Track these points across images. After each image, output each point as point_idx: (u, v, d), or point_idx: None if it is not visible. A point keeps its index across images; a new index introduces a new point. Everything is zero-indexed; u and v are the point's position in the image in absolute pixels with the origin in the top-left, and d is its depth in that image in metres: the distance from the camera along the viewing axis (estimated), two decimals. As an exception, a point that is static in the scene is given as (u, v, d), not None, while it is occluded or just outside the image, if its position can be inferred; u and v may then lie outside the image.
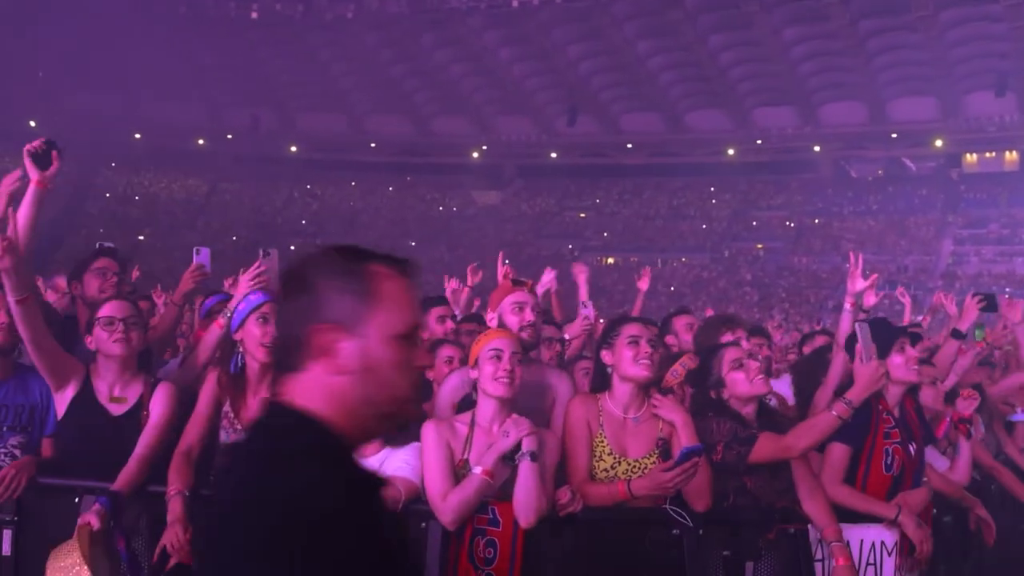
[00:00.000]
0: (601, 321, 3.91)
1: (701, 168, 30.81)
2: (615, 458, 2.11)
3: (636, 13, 26.66)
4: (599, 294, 25.18)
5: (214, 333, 2.36)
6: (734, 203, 30.68)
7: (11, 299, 2.08)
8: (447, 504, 1.94)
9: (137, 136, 31.42)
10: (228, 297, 2.56)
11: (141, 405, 2.24)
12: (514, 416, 1.99)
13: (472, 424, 2.04)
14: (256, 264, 2.41)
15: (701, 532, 2.02)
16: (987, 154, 29.41)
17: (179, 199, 32.53)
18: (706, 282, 26.96)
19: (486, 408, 2.03)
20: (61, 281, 3.68)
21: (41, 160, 2.24)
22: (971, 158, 29.62)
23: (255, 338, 2.16)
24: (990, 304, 3.35)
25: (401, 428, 0.95)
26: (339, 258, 0.89)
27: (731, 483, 2.17)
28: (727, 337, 2.64)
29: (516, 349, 2.03)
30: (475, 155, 32.83)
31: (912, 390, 2.42)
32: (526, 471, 1.92)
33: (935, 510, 2.46)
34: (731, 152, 30.63)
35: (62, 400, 2.25)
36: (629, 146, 31.51)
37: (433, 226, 30.49)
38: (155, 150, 31.18)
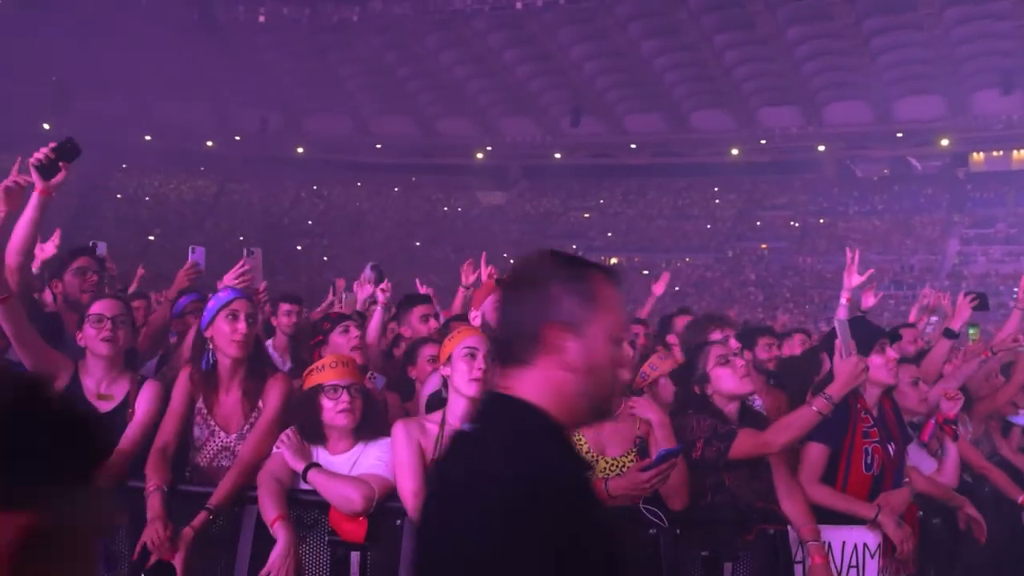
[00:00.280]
0: None
1: (705, 168, 30.71)
2: (593, 456, 2.09)
3: (640, 13, 26.63)
4: (603, 294, 25.17)
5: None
6: (738, 203, 30.57)
7: None
8: (419, 502, 1.94)
9: (147, 139, 31.70)
10: (202, 297, 2.57)
11: (127, 403, 2.25)
12: None
13: (443, 423, 2.01)
14: (240, 263, 2.43)
15: (678, 532, 2.01)
16: (994, 153, 29.16)
17: (188, 200, 32.79)
18: (710, 282, 26.89)
19: (456, 406, 1.99)
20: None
21: (46, 170, 2.28)
22: (978, 157, 29.37)
23: (225, 335, 2.15)
24: (982, 303, 3.36)
25: (601, 420, 1.06)
26: (567, 264, 0.99)
27: (710, 480, 2.15)
28: (716, 336, 2.64)
29: (489, 347, 1.99)
30: (480, 156, 32.88)
31: (889, 390, 2.41)
32: None
33: (921, 512, 2.43)
34: (735, 152, 30.53)
35: None
36: (633, 146, 31.47)
37: (438, 226, 30.56)
38: (165, 152, 31.47)
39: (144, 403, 2.24)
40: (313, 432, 2.09)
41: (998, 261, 25.30)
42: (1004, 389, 3.47)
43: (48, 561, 0.58)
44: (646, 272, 26.68)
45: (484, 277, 2.67)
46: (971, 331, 4.22)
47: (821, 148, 29.88)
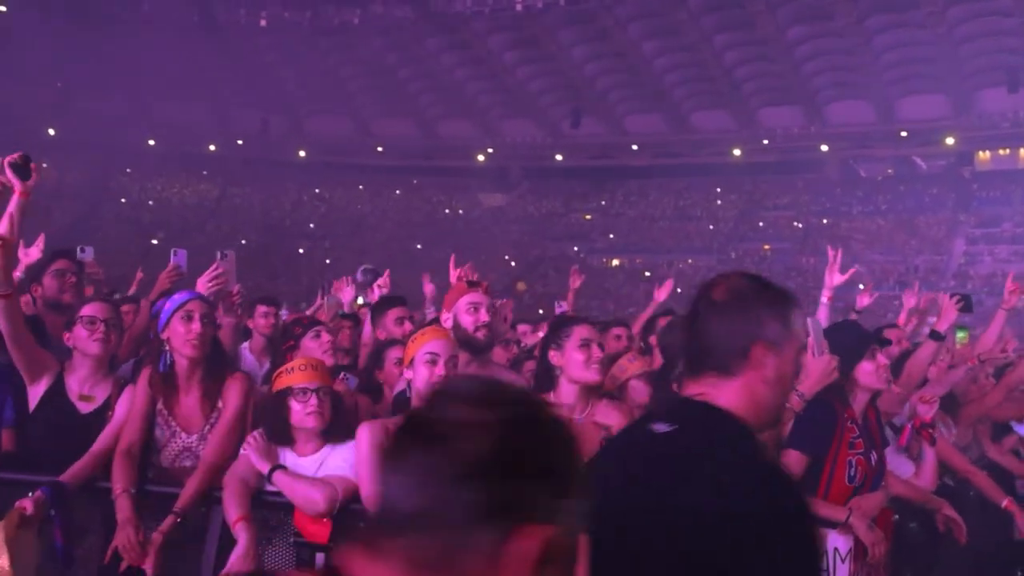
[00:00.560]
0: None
1: (707, 169, 30.62)
2: None
3: (640, 14, 26.61)
4: (604, 296, 25.15)
5: None
6: (740, 204, 30.46)
7: None
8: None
9: (151, 142, 31.94)
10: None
11: (108, 405, 2.28)
12: None
13: None
14: (214, 266, 2.45)
15: None
16: (1000, 151, 28.92)
17: (190, 203, 33.00)
18: (713, 283, 26.75)
19: None
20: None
21: (22, 171, 2.33)
22: (984, 155, 29.14)
23: (180, 336, 2.17)
24: (967, 305, 3.32)
25: (771, 428, 1.22)
26: (769, 288, 1.15)
27: None
28: None
29: (453, 352, 2.02)
30: (481, 158, 32.92)
31: (875, 396, 2.38)
32: None
33: (897, 516, 2.40)
34: (737, 152, 30.42)
35: (35, 394, 2.31)
36: (634, 147, 31.42)
37: (439, 228, 30.60)
38: (167, 155, 31.69)
39: (123, 405, 2.27)
40: (281, 434, 2.11)
41: (1004, 261, 25.07)
42: (991, 393, 3.42)
43: (556, 570, 0.63)
44: (648, 274, 26.66)
45: (454, 279, 2.67)
46: (959, 334, 4.15)
47: (824, 148, 29.74)
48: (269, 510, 2.09)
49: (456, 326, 2.26)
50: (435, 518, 0.62)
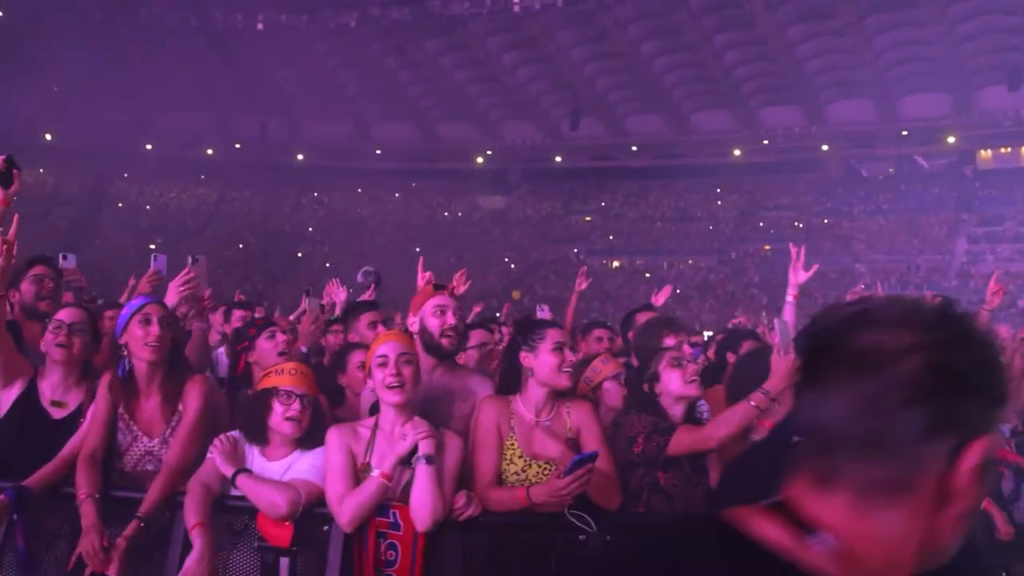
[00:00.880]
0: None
1: (707, 169, 30.56)
2: (526, 461, 2.09)
3: (639, 14, 26.59)
4: (605, 298, 25.06)
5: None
6: (741, 204, 30.38)
7: None
8: (344, 506, 1.94)
9: (148, 147, 31.98)
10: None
11: (80, 412, 2.30)
12: (415, 419, 1.98)
13: (375, 428, 2.05)
14: (185, 271, 2.50)
15: (608, 538, 1.96)
16: (1002, 149, 28.81)
17: (189, 208, 33.04)
18: (713, 284, 26.69)
19: (387, 412, 2.04)
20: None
21: (3, 179, 2.33)
22: (986, 154, 29.03)
23: (138, 339, 2.19)
24: None
25: None
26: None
27: (646, 480, 2.15)
28: (669, 340, 2.63)
29: (404, 350, 2.02)
30: (480, 160, 32.91)
31: None
32: (422, 474, 1.92)
33: None
34: (737, 152, 30.36)
35: (7, 399, 2.32)
36: (634, 148, 31.39)
37: (439, 231, 30.58)
38: (165, 160, 31.72)
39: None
40: (256, 433, 2.10)
41: (1007, 259, 24.94)
42: None
43: (986, 475, 0.66)
44: (648, 275, 26.58)
45: (421, 283, 2.64)
46: None
47: (825, 148, 29.66)
48: (233, 514, 2.08)
49: (423, 330, 2.25)
50: (885, 442, 0.65)
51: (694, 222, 30.11)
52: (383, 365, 2.00)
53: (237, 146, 32.53)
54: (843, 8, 24.83)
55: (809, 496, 0.67)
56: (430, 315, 2.23)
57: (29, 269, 2.73)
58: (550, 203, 32.66)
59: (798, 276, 2.78)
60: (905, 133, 28.43)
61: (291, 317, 4.38)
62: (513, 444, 2.09)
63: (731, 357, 3.07)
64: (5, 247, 2.14)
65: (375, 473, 1.94)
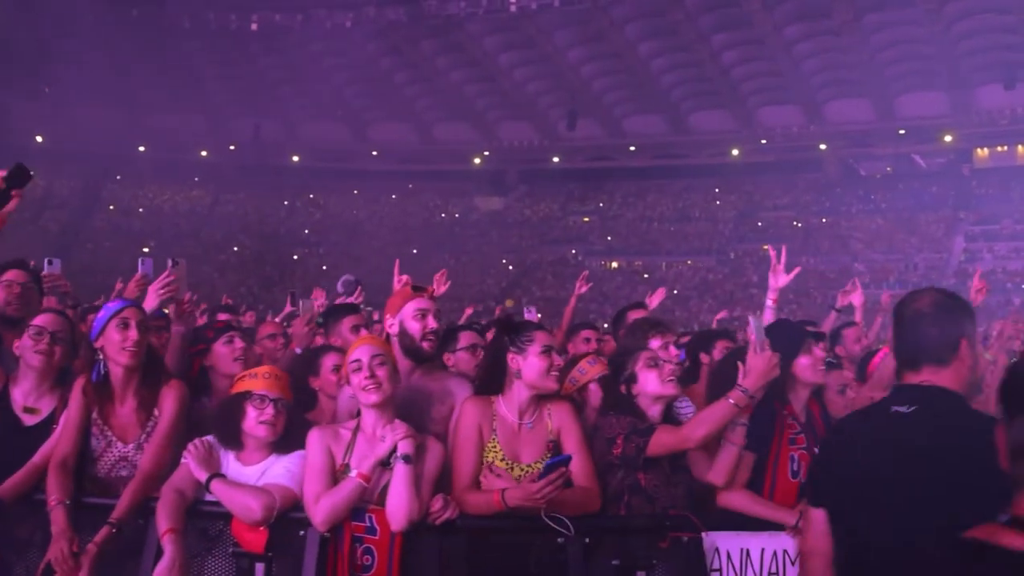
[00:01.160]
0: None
1: (705, 169, 30.57)
2: (508, 464, 2.08)
3: (636, 14, 26.58)
4: (603, 299, 24.96)
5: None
6: (739, 204, 30.36)
7: None
8: (319, 507, 1.92)
9: (141, 149, 31.80)
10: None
11: (53, 418, 2.26)
12: (395, 421, 1.98)
13: (356, 430, 2.05)
14: (165, 273, 2.47)
15: (587, 540, 1.94)
16: (999, 148, 28.86)
17: (182, 210, 32.84)
18: (712, 284, 26.63)
19: (367, 414, 2.04)
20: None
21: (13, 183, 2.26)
22: (982, 153, 29.08)
23: (115, 343, 2.16)
24: None
25: None
26: (959, 299, 1.57)
27: (626, 481, 2.13)
28: (655, 342, 2.57)
29: (376, 352, 2.02)
30: (477, 161, 32.85)
31: (817, 394, 2.39)
32: (399, 475, 1.91)
33: None
34: (735, 152, 30.36)
35: None
36: (632, 149, 31.37)
37: (436, 233, 30.48)
38: (159, 162, 31.56)
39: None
40: (231, 437, 2.09)
41: (1004, 257, 24.96)
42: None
43: None
44: (647, 276, 26.51)
45: (398, 285, 2.60)
46: None
47: (823, 147, 29.68)
48: (208, 520, 2.06)
49: (403, 333, 2.22)
50: None
51: (692, 222, 30.07)
52: (358, 370, 2.00)
53: (231, 148, 32.37)
54: (840, 7, 24.84)
55: None
56: (411, 318, 2.20)
57: (1, 274, 2.68)
58: (548, 204, 32.59)
59: (778, 280, 2.72)
60: (903, 132, 28.47)
61: (277, 319, 4.30)
62: (495, 446, 2.08)
63: (704, 358, 3.01)
64: None
65: (353, 474, 1.93)
